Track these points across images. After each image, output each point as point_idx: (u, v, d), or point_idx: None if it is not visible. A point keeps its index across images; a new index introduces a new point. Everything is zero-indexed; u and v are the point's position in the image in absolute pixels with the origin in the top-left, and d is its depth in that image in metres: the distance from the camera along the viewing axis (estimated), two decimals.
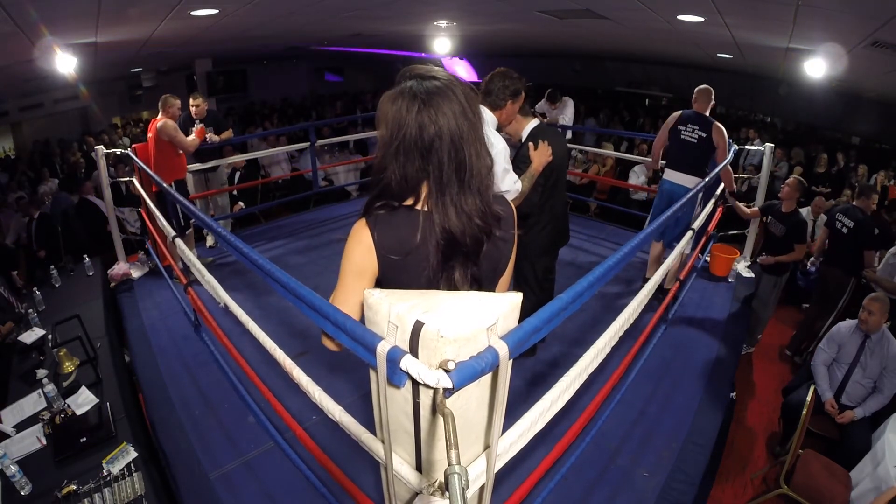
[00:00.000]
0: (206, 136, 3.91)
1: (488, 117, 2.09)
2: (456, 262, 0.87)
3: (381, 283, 0.93)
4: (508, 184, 1.94)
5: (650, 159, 3.49)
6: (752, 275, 3.78)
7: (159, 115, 3.48)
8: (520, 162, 2.22)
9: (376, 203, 0.91)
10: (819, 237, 4.16)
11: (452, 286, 0.88)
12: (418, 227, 0.87)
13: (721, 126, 3.21)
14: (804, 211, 4.84)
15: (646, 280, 3.59)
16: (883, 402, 2.70)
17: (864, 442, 2.60)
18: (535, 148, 2.21)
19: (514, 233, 0.99)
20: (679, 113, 3.36)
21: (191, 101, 4.00)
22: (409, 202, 0.90)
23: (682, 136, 3.29)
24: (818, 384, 2.85)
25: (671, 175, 3.40)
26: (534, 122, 2.38)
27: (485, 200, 0.89)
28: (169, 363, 2.80)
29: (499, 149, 1.90)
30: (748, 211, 3.69)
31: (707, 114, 3.27)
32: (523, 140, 2.35)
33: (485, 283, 0.94)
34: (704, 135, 3.21)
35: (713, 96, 3.28)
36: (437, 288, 0.89)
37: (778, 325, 4.30)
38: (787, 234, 3.42)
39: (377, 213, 0.90)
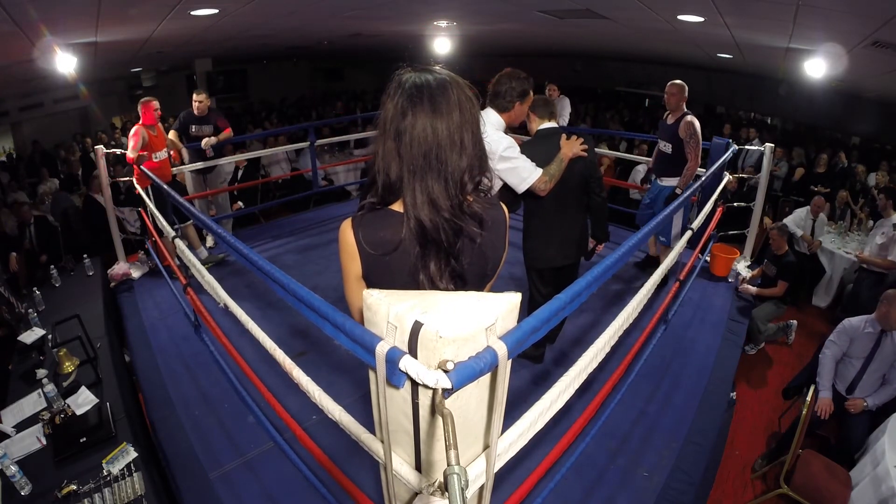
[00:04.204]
0: (204, 144, 3.95)
1: (493, 120, 2.10)
2: (430, 255, 0.88)
3: (367, 280, 0.94)
4: (528, 169, 2.05)
5: (650, 159, 3.48)
6: (753, 274, 3.78)
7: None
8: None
9: (367, 196, 0.92)
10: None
11: (430, 280, 0.89)
12: (402, 226, 0.88)
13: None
14: (803, 210, 4.85)
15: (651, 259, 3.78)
16: (891, 395, 2.69)
17: (862, 440, 2.60)
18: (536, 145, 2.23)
19: (504, 238, 0.99)
20: None
21: (194, 97, 4.01)
22: (394, 203, 0.91)
23: None
24: (820, 377, 2.80)
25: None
26: (547, 125, 2.33)
27: (459, 197, 0.88)
28: (169, 363, 2.80)
29: (506, 143, 2.02)
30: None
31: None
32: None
33: (470, 282, 0.94)
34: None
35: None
36: (418, 282, 0.89)
37: None
38: (777, 273, 3.77)
39: (361, 215, 0.92)
